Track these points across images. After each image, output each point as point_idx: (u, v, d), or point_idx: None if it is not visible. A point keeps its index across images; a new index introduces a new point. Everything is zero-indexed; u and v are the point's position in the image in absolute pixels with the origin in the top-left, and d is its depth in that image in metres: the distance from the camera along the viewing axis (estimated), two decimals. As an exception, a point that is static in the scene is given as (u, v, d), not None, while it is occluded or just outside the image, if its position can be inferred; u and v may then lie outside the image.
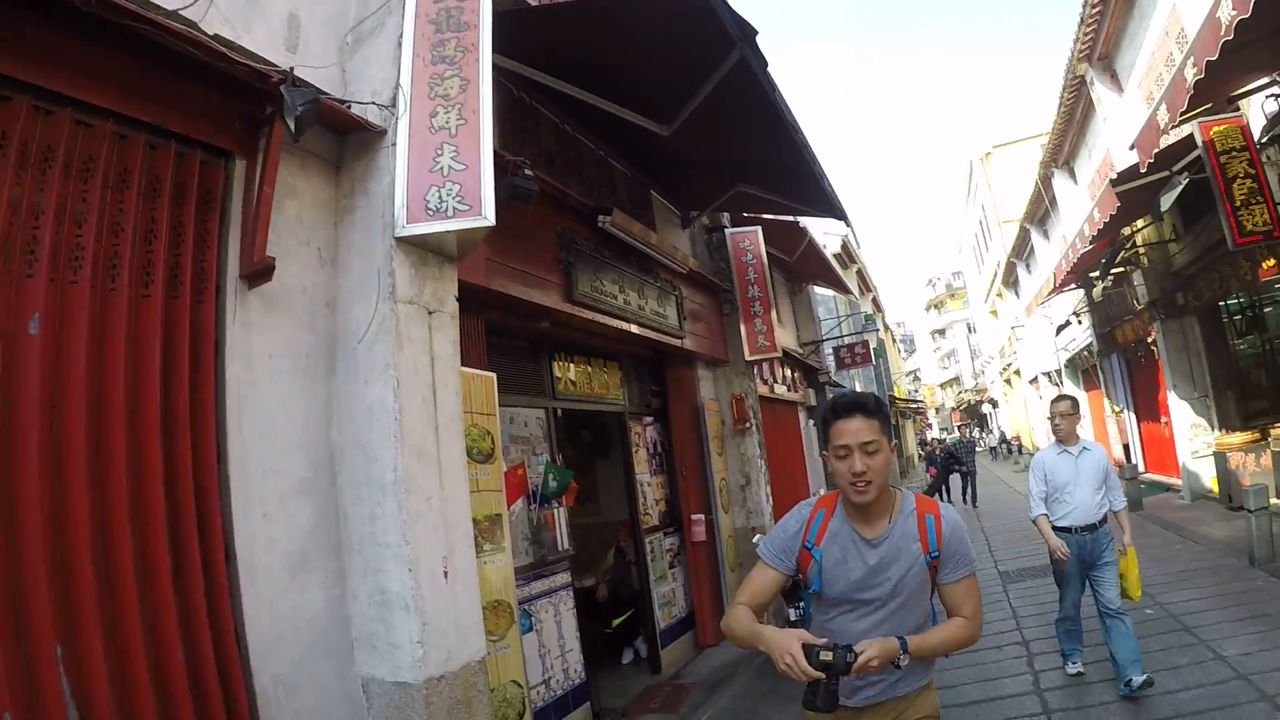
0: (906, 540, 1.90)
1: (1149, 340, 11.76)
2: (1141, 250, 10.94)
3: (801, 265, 12.09)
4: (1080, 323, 15.75)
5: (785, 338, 11.52)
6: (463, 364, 3.45)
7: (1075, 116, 12.11)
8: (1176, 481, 11.06)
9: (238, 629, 2.55)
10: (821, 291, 16.25)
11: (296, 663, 2.71)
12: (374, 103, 3.11)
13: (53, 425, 2.19)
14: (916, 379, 58.05)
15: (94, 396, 2.29)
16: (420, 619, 2.78)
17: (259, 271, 2.71)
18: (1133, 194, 7.36)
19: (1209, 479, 9.96)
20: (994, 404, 39.44)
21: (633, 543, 6.17)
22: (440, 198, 2.93)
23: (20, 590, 2.04)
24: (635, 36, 4.40)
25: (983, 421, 36.26)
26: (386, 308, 2.94)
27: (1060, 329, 17.14)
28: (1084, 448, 4.40)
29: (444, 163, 2.96)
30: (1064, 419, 4.43)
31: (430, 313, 3.12)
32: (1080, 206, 11.47)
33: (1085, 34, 9.85)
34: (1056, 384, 19.65)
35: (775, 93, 4.45)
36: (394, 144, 3.03)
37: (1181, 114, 5.18)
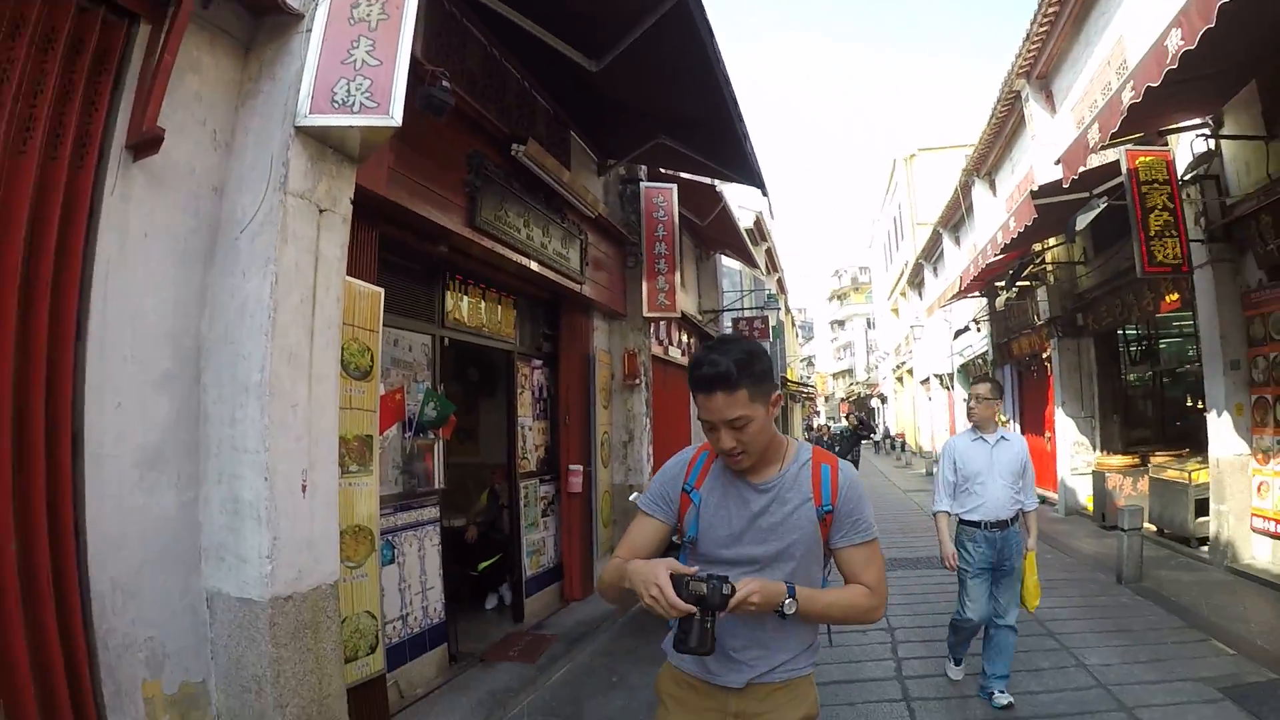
0: (797, 490, 1.71)
1: (1044, 356, 12.01)
2: (1050, 267, 11.19)
3: (712, 232, 12.29)
4: (979, 330, 15.98)
5: (686, 302, 11.72)
6: (351, 274, 3.36)
7: (1005, 130, 12.35)
8: (1053, 495, 11.28)
9: (78, 523, 2.38)
10: (728, 263, 16.61)
11: (138, 568, 2.56)
12: (295, -16, 2.92)
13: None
14: (811, 365, 59.57)
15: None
16: (272, 533, 2.67)
17: (146, 141, 2.52)
18: (1050, 209, 7.53)
19: (1085, 496, 10.34)
20: (883, 399, 40.23)
21: (507, 487, 6.11)
22: (349, 91, 2.81)
23: None
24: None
25: (870, 415, 37.99)
26: (276, 198, 2.81)
27: (959, 334, 17.32)
28: (1002, 437, 4.04)
29: (358, 55, 2.84)
30: (980, 402, 4.04)
31: (321, 211, 3.00)
32: (996, 218, 11.75)
33: (1029, 50, 10.00)
34: (947, 387, 20.49)
35: (711, 39, 4.46)
36: (309, 30, 2.87)
37: (1112, 135, 5.22)
